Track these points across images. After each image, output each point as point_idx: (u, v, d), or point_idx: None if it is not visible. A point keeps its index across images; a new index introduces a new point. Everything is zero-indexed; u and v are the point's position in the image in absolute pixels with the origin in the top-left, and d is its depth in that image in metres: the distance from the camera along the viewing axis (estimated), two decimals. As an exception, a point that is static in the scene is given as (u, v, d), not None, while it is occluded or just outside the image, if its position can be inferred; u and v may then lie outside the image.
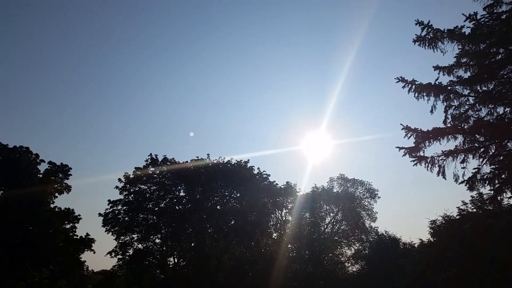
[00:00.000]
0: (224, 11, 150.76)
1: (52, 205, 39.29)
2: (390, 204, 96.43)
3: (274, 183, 48.37)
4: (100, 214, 43.99)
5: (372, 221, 52.82)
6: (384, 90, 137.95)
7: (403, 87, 18.54)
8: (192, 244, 46.01)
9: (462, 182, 18.40)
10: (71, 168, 40.28)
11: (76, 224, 40.19)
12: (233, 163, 47.06)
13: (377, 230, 52.62)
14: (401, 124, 18.91)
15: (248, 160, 47.67)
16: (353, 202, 52.52)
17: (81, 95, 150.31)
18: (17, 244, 35.41)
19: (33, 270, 37.18)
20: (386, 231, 51.98)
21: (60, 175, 39.78)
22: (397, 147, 19.37)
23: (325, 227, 53.25)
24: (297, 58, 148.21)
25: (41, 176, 38.87)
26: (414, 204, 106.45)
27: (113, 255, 43.19)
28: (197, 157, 46.83)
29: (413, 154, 19.08)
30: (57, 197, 39.87)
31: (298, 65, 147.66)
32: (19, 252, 35.03)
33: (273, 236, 51.03)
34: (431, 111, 18.59)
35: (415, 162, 19.03)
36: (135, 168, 45.41)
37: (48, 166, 39.43)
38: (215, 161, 46.97)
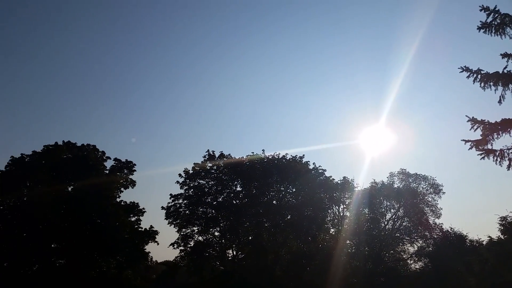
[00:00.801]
0: (282, 5, 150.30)
1: (118, 199, 41.53)
2: (456, 200, 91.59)
3: (330, 178, 47.70)
4: (163, 208, 45.85)
5: (436, 217, 50.32)
6: (448, 82, 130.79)
7: (468, 77, 17.47)
8: (250, 238, 46.67)
9: (535, 177, 17.05)
10: (135, 164, 42.37)
11: (140, 217, 42.15)
12: (288, 158, 46.96)
13: (441, 226, 50.12)
14: (466, 116, 17.91)
15: (303, 155, 47.42)
16: (415, 198, 50.30)
17: (146, 95, 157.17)
18: (87, 236, 37.78)
19: (101, 260, 39.48)
20: (451, 228, 49.47)
21: (125, 171, 41.91)
22: (463, 140, 18.40)
23: (385, 223, 51.53)
24: (355, 53, 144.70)
25: (107, 172, 41.17)
26: (482, 200, 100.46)
27: (175, 246, 44.85)
28: (252, 152, 47.34)
29: (480, 147, 18.06)
30: (122, 191, 42.10)
31: (357, 59, 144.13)
32: (88, 243, 37.33)
33: (331, 232, 50.28)
34: (499, 102, 17.44)
35: (483, 155, 18.03)
36: (194, 164, 46.81)
37: (114, 163, 41.71)
38: (270, 156, 47.14)
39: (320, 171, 47.26)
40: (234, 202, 46.04)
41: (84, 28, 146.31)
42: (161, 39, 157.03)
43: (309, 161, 47.21)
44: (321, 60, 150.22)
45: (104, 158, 41.25)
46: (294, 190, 46.98)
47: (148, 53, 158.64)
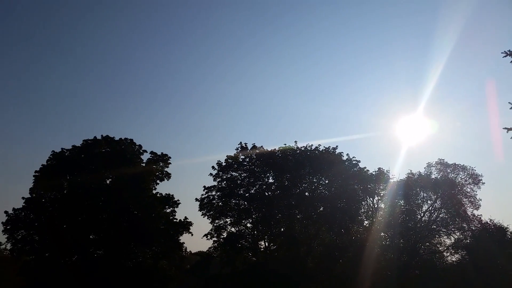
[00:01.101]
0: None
1: (154, 191, 42.58)
2: (496, 191, 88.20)
3: (365, 169, 47.03)
4: (196, 199, 46.74)
5: (475, 208, 48.68)
6: (492, 67, 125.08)
7: (512, 61, 16.72)
8: (282, 229, 46.83)
9: None
10: (170, 157, 43.29)
11: (175, 209, 43.05)
12: (320, 149, 46.63)
13: (480, 218, 48.51)
14: (509, 103, 17.22)
15: (337, 146, 47.00)
16: (453, 189, 48.81)
17: (179, 88, 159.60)
18: (124, 227, 39.07)
19: (137, 251, 40.67)
20: (491, 219, 47.86)
21: (161, 164, 42.89)
22: (505, 128, 17.74)
23: (421, 215, 50.36)
24: (393, 41, 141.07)
25: (144, 165, 42.29)
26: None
27: (208, 237, 45.64)
28: (285, 144, 47.34)
29: (522, 135, 17.31)
30: (158, 183, 43.09)
31: (395, 48, 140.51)
32: (125, 234, 38.59)
33: (364, 224, 49.70)
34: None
35: (523, 145, 17.26)
36: (227, 156, 47.32)
37: (150, 156, 42.78)
38: (302, 148, 46.99)
39: (354, 162, 46.78)
40: (266, 194, 46.29)
41: (120, 20, 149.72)
42: (195, 31, 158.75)
43: (342, 152, 46.90)
44: (358, 49, 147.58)
45: (141, 151, 42.37)
46: (327, 181, 46.68)
47: (181, 46, 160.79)
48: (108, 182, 40.73)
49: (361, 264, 42.44)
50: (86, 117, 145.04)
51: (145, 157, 42.73)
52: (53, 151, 40.83)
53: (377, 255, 45.61)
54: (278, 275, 41.42)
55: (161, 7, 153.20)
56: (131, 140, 42.18)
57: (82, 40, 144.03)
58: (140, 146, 42.62)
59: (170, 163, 43.37)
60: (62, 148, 41.00)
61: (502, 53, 17.19)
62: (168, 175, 43.64)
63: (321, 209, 45.85)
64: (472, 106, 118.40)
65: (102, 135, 41.81)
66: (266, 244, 47.05)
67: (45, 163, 40.39)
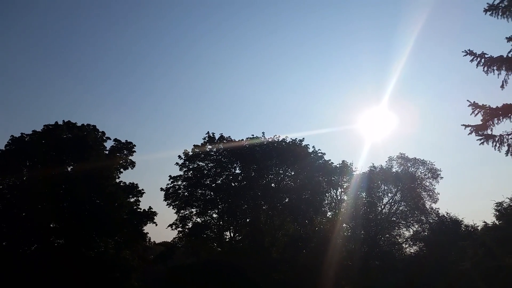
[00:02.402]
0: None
1: (117, 180, 41.49)
2: (453, 185, 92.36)
3: (329, 162, 47.97)
4: (162, 189, 46.11)
5: (433, 202, 50.93)
6: (452, 64, 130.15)
7: (471, 60, 17.33)
8: (247, 220, 47.13)
9: (534, 163, 17.19)
10: (135, 145, 42.17)
11: (139, 198, 42.13)
12: (288, 141, 47.07)
13: (438, 211, 50.77)
14: (467, 100, 17.83)
15: (303, 138, 47.55)
16: (413, 183, 50.75)
17: (144, 74, 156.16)
18: (85, 216, 37.90)
19: (100, 241, 39.62)
20: (447, 213, 50.08)
21: (125, 152, 41.72)
22: (463, 124, 18.36)
23: (382, 207, 52.11)
24: (357, 31, 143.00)
25: (107, 152, 41.07)
26: (479, 185, 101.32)
27: (173, 227, 45.38)
28: (252, 135, 47.37)
29: (480, 132, 18.04)
30: (122, 172, 41.98)
31: (357, 40, 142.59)
32: (87, 223, 37.47)
33: (328, 215, 50.81)
34: (502, 86, 17.32)
35: (482, 140, 18.00)
36: (194, 145, 46.94)
37: (114, 143, 41.50)
38: (270, 139, 47.24)
39: (319, 154, 47.54)
40: (233, 184, 46.32)
41: (82, 6, 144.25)
42: (160, 20, 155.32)
43: (308, 145, 47.53)
44: (322, 41, 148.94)
45: (104, 138, 41.05)
46: (293, 173, 47.30)
47: (148, 33, 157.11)
48: (69, 169, 39.31)
49: (324, 254, 43.35)
50: (48, 101, 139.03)
51: (109, 144, 41.49)
52: (12, 135, 38.93)
53: (339, 245, 46.73)
54: (243, 265, 41.63)
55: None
56: (94, 126, 40.79)
57: (42, 19, 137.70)
58: (103, 132, 41.32)
59: (134, 151, 42.31)
60: (21, 133, 39.13)
61: (462, 52, 17.89)
62: (132, 164, 42.57)
63: (287, 200, 46.40)
64: (432, 100, 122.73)
65: (63, 120, 40.11)
66: (232, 235, 47.21)
67: (3, 148, 38.46)
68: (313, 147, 47.54)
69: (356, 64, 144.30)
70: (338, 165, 48.40)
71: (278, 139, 47.24)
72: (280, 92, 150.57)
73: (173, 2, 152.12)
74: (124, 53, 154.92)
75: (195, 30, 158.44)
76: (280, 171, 47.39)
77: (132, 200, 41.73)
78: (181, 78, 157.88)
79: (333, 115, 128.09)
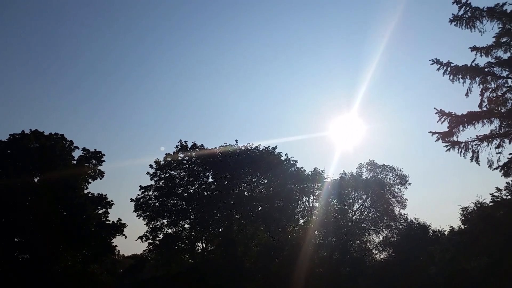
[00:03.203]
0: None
1: (85, 191, 40.41)
2: (421, 191, 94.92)
3: (302, 169, 48.27)
4: (132, 200, 45.07)
5: (401, 208, 52.19)
6: (419, 73, 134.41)
7: (438, 69, 18.09)
8: (220, 230, 46.68)
9: (496, 168, 18.03)
10: (104, 155, 41.30)
11: (108, 210, 41.19)
12: (261, 149, 47.07)
13: (406, 217, 52.04)
14: (434, 108, 18.57)
15: (276, 146, 47.58)
16: (382, 189, 51.86)
17: (114, 82, 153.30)
18: (52, 229, 36.61)
19: (67, 254, 38.38)
20: (415, 218, 51.42)
21: (94, 161, 40.77)
22: (430, 132, 19.01)
23: (353, 214, 52.90)
24: (327, 41, 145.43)
25: (75, 162, 39.96)
26: (445, 191, 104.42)
27: (143, 239, 44.22)
28: (226, 143, 47.11)
29: (446, 139, 18.73)
30: (90, 182, 41.01)
31: (329, 48, 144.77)
32: (53, 236, 36.19)
33: (300, 223, 51.04)
34: (466, 94, 18.13)
35: (448, 147, 18.71)
36: (166, 154, 46.24)
37: (82, 153, 40.48)
38: (243, 147, 47.10)
39: (292, 162, 47.74)
40: (206, 193, 45.85)
41: (50, 9, 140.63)
42: (130, 29, 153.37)
43: (281, 152, 47.59)
44: (292, 49, 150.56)
45: (72, 148, 39.95)
46: (265, 181, 47.28)
47: (118, 40, 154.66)
48: (36, 180, 37.95)
49: (296, 262, 43.47)
50: (14, 110, 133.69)
51: (77, 154, 40.44)
52: (-25, 145, 37.26)
53: (311, 253, 46.99)
54: (215, 276, 41.17)
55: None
56: (62, 135, 39.64)
57: (5, 24, 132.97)
58: (71, 142, 40.23)
59: (103, 161, 41.44)
60: (-14, 142, 37.55)
61: (429, 60, 18.60)
62: (101, 174, 41.67)
63: (260, 208, 46.29)
64: (401, 108, 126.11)
65: (30, 129, 38.78)
66: (204, 245, 46.62)
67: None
68: (286, 154, 47.82)
69: (328, 71, 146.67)
70: (310, 173, 48.85)
71: (251, 147, 47.21)
72: (252, 99, 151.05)
73: (143, 11, 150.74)
74: (94, 61, 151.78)
75: (166, 39, 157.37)
76: (253, 179, 47.32)
77: (100, 211, 40.78)
78: (152, 86, 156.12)
79: (305, 123, 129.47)
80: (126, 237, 41.27)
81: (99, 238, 39.47)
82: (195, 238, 46.11)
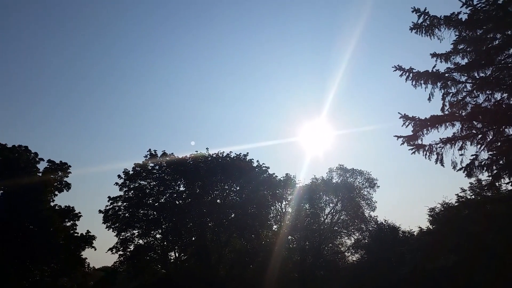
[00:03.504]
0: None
1: (52, 203, 39.16)
2: (390, 193, 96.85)
3: (274, 175, 48.49)
4: (100, 211, 44.06)
5: (371, 210, 53.28)
6: (385, 79, 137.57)
7: (401, 75, 18.56)
8: (193, 238, 46.24)
9: (460, 169, 18.52)
10: (70, 166, 40.13)
11: (76, 222, 40.03)
12: (232, 156, 47.06)
13: (376, 219, 53.03)
14: (399, 113, 18.98)
15: (247, 153, 47.74)
16: (352, 192, 52.81)
17: (80, 92, 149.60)
18: (18, 243, 35.36)
19: (34, 269, 37.14)
20: (385, 220, 52.39)
21: (60, 173, 39.61)
22: (395, 135, 19.44)
23: (324, 217, 53.55)
24: (296, 47, 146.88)
25: (40, 174, 38.72)
26: (413, 193, 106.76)
27: (114, 251, 43.40)
28: (196, 151, 46.92)
29: (411, 143, 19.16)
30: (57, 195, 39.72)
31: (298, 54, 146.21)
32: (20, 251, 34.98)
33: (273, 228, 51.22)
34: (429, 99, 18.63)
35: (413, 150, 19.12)
36: (135, 164, 45.43)
37: (48, 165, 39.21)
38: (214, 155, 46.96)
39: (263, 168, 47.91)
40: (177, 202, 45.29)
41: (15, 17, 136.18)
42: (98, 37, 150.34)
43: (253, 159, 47.75)
44: (261, 53, 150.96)
45: (37, 159, 38.58)
46: (238, 188, 47.17)
47: (81, 50, 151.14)
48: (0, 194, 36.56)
49: (270, 268, 43.56)
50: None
51: (42, 166, 39.16)
52: None
53: (285, 258, 47.22)
54: (189, 285, 40.72)
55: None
56: (26, 147, 38.26)
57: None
58: (36, 154, 38.85)
59: (70, 172, 40.22)
60: None
61: (392, 67, 19.15)
62: (68, 186, 40.47)
63: (233, 215, 46.19)
64: (367, 113, 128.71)
65: (-8, 142, 37.36)
66: (177, 255, 46.03)
67: None
68: (257, 161, 48.01)
69: (296, 77, 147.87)
70: (282, 178, 49.15)
71: (223, 154, 47.12)
72: (221, 106, 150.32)
73: (113, 15, 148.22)
74: (58, 70, 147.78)
75: (134, 45, 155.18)
76: (225, 187, 47.15)
77: (68, 224, 39.56)
78: (120, 95, 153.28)
79: (275, 128, 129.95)
80: (95, 249, 40.20)
81: (68, 251, 38.29)
82: (168, 248, 45.49)
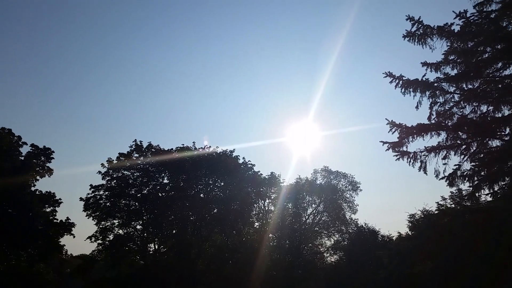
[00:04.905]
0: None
1: (33, 188, 38.59)
2: (371, 197, 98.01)
3: (259, 173, 48.43)
4: (81, 199, 43.43)
5: (352, 213, 53.92)
6: (371, 81, 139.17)
7: (391, 82, 18.74)
8: (174, 231, 45.99)
9: (442, 178, 18.81)
10: (53, 152, 39.47)
11: (56, 208, 39.44)
12: (218, 152, 46.93)
13: (357, 222, 53.69)
14: (386, 119, 19.18)
15: (234, 149, 47.56)
16: (335, 194, 53.32)
17: (68, 78, 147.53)
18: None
19: (10, 253, 36.62)
20: (365, 223, 53.11)
21: (43, 158, 38.91)
22: (381, 141, 19.64)
23: (306, 217, 53.97)
24: (283, 48, 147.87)
25: (22, 158, 38.09)
26: (394, 198, 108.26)
27: (93, 240, 42.76)
28: (183, 145, 46.47)
29: (396, 149, 19.37)
30: (38, 180, 39.06)
31: (284, 55, 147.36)
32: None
33: (255, 226, 51.32)
34: (417, 107, 18.84)
35: (398, 157, 19.34)
36: (119, 154, 44.83)
37: (31, 149, 38.50)
38: (200, 150, 46.70)
39: (249, 166, 47.77)
40: (160, 194, 44.93)
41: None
42: (94, 21, 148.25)
43: (238, 156, 47.57)
44: (249, 53, 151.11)
45: (20, 143, 37.88)
46: (222, 184, 46.95)
47: (79, 34, 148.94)
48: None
49: (250, 264, 43.71)
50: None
51: (25, 150, 38.48)
52: None
53: (265, 255, 47.42)
54: (167, 278, 40.57)
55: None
56: (9, 130, 37.54)
57: None
58: (19, 137, 38.10)
59: (53, 157, 39.52)
60: None
61: (383, 73, 19.29)
62: (50, 171, 39.78)
63: (215, 211, 46.03)
64: (354, 115, 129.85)
65: (-26, 124, 36.55)
66: (156, 247, 45.66)
67: None
68: (243, 158, 47.83)
69: (284, 78, 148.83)
70: (267, 177, 49.16)
71: (209, 150, 46.93)
72: (208, 105, 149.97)
73: (106, 4, 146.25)
74: (47, 54, 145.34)
75: (126, 38, 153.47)
76: (210, 182, 46.91)
77: (48, 210, 38.98)
78: (108, 84, 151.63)
79: (262, 129, 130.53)
80: (74, 236, 39.69)
81: (46, 237, 37.75)
82: (147, 240, 45.14)
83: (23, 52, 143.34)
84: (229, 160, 46.10)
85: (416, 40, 17.97)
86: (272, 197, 51.01)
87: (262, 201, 51.01)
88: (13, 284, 34.11)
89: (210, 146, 47.07)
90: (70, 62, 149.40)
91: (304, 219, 53.70)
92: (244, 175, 47.02)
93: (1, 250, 35.44)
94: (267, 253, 48.61)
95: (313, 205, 54.17)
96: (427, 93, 18.41)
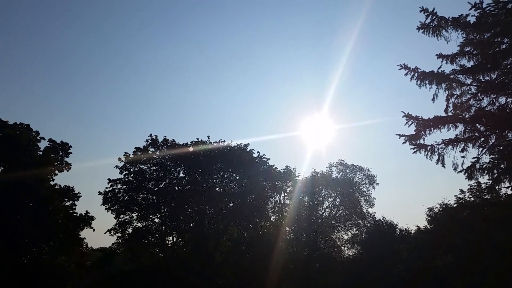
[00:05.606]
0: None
1: (52, 183, 39.38)
2: (389, 191, 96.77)
3: (274, 167, 48.43)
4: (100, 193, 44.28)
5: (369, 206, 53.31)
6: (386, 74, 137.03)
7: (406, 74, 18.32)
8: (191, 225, 46.46)
9: (461, 171, 18.38)
10: (71, 146, 40.17)
11: (76, 202, 40.20)
12: (233, 146, 47.02)
13: (374, 215, 53.12)
14: (402, 111, 18.80)
15: (248, 143, 47.62)
16: (351, 188, 52.80)
17: (84, 74, 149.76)
18: (18, 220, 35.66)
19: (33, 246, 37.50)
20: (383, 217, 52.48)
21: (60, 153, 39.66)
22: (398, 134, 19.30)
23: (322, 211, 53.66)
24: (297, 41, 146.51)
25: (41, 153, 38.83)
26: (412, 191, 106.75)
27: (112, 233, 43.64)
28: (197, 139, 46.76)
29: (413, 142, 19.01)
30: (57, 174, 39.89)
31: (299, 48, 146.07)
32: (19, 228, 35.28)
33: (271, 219, 51.42)
34: (433, 100, 18.43)
35: (415, 150, 18.98)
36: (135, 148, 45.48)
37: (49, 144, 39.28)
38: (215, 144, 46.86)
39: (264, 159, 47.82)
40: (177, 188, 45.40)
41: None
42: (104, 19, 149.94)
43: (253, 150, 47.66)
44: (264, 47, 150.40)
45: (38, 138, 38.59)
46: (237, 177, 47.13)
47: (90, 31, 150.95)
48: (0, 170, 36.72)
49: (267, 257, 43.85)
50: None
51: (43, 145, 39.21)
52: None
53: (282, 249, 47.45)
54: (185, 270, 41.02)
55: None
56: (28, 125, 38.25)
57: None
58: (37, 132, 38.85)
59: (70, 152, 40.26)
60: None
61: (398, 66, 18.89)
62: (68, 166, 40.53)
63: (231, 204, 46.30)
64: (369, 108, 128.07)
65: (-6, 119, 37.37)
66: (174, 240, 46.32)
67: None
68: (257, 152, 47.91)
69: (298, 72, 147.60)
70: (282, 170, 49.08)
71: (223, 144, 47.03)
72: (222, 100, 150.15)
73: (118, 2, 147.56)
74: (64, 51, 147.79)
75: (140, 32, 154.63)
76: (225, 176, 47.12)
77: (67, 204, 39.79)
78: (123, 80, 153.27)
79: (276, 122, 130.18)
80: (94, 230, 40.46)
81: (66, 230, 38.60)
82: (165, 233, 45.74)
83: (40, 49, 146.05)
84: (244, 154, 46.18)
85: (431, 32, 17.50)
86: (288, 191, 50.99)
87: (278, 195, 51.03)
88: (36, 277, 34.99)
89: (224, 140, 47.29)
90: (85, 59, 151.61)
91: (320, 212, 53.41)
92: (259, 169, 47.05)
93: (24, 243, 36.35)
94: (284, 246, 48.60)
95: (329, 199, 53.79)
96: (443, 85, 17.95)
